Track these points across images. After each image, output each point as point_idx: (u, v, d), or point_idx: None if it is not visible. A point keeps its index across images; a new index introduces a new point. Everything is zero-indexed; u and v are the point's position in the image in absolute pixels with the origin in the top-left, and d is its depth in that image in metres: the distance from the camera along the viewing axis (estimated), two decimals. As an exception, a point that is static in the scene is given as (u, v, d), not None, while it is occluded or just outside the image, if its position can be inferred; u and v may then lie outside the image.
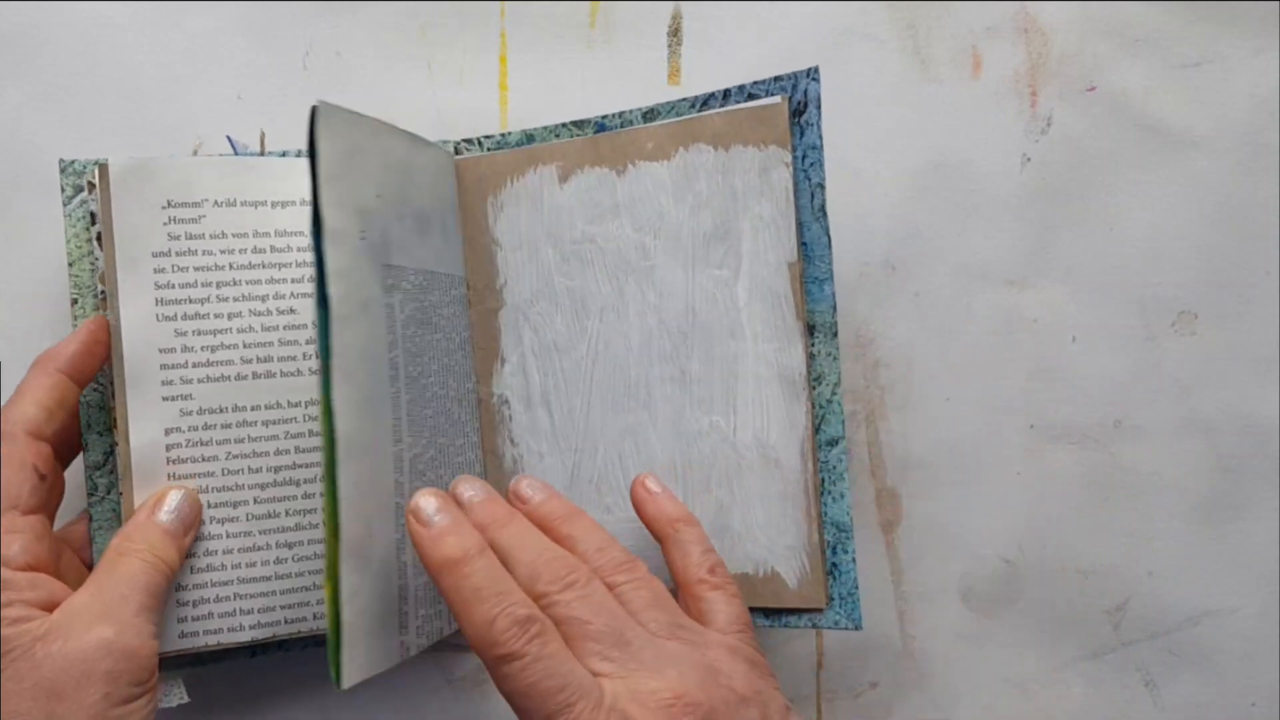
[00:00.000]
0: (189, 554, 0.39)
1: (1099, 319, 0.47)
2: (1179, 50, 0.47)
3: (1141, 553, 0.47)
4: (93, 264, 0.41)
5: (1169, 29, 0.47)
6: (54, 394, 0.38)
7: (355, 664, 0.34)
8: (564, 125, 0.45)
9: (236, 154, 0.45)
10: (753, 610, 0.42)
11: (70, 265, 0.41)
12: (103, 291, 0.40)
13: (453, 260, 0.43)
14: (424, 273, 0.40)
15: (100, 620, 0.34)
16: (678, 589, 0.39)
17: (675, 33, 0.48)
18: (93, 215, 0.40)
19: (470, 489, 0.37)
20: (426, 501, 0.35)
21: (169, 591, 0.37)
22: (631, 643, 0.34)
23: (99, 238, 0.40)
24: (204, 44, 0.47)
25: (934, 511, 0.47)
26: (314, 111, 0.33)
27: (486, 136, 0.45)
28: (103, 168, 0.39)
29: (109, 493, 0.40)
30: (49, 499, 0.38)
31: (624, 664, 0.33)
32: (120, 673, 0.33)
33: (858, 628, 0.41)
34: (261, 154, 0.44)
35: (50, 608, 0.35)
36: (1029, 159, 0.47)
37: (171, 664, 0.40)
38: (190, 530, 0.38)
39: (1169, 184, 0.47)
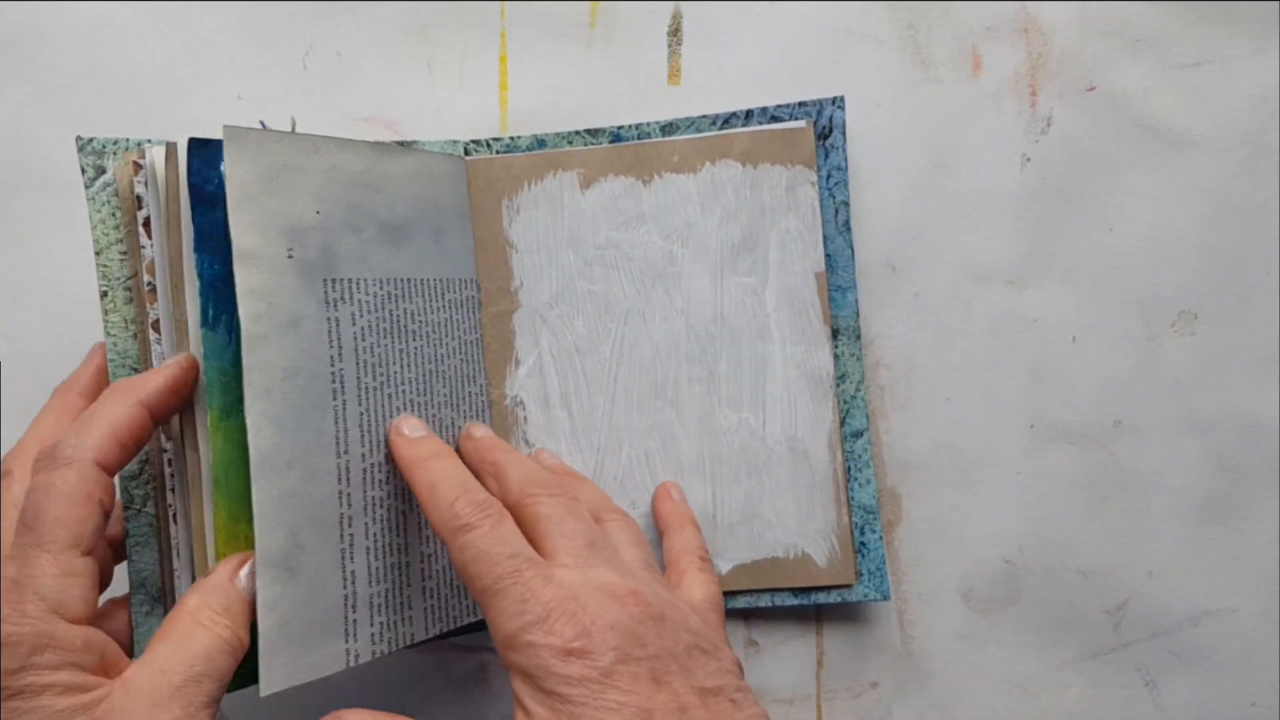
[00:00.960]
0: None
1: (1099, 319, 0.47)
2: (1179, 50, 0.47)
3: (1141, 553, 0.47)
4: (122, 253, 0.38)
5: (1169, 29, 0.47)
6: (132, 428, 0.34)
7: (276, 672, 0.34)
8: (577, 133, 0.45)
9: None
10: (783, 590, 0.45)
11: (97, 254, 0.38)
12: (151, 284, 0.37)
13: (455, 264, 0.43)
14: (394, 281, 0.40)
15: (162, 708, 0.30)
16: (666, 568, 0.41)
17: (675, 33, 0.48)
18: (139, 199, 0.37)
19: (480, 430, 0.41)
20: (409, 422, 0.38)
21: (235, 669, 0.33)
22: (600, 550, 0.35)
23: (146, 223, 0.37)
24: (204, 44, 0.47)
25: (934, 511, 0.47)
26: (224, 135, 0.35)
27: (495, 139, 0.46)
28: (172, 146, 0.36)
29: (145, 504, 0.38)
30: (103, 540, 0.34)
31: (586, 561, 0.34)
32: None
33: (885, 598, 0.45)
34: None
35: (103, 672, 0.31)
36: (1029, 159, 0.47)
37: None
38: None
39: (1169, 184, 0.47)
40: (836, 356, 0.45)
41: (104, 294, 0.38)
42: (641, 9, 0.48)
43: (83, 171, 0.38)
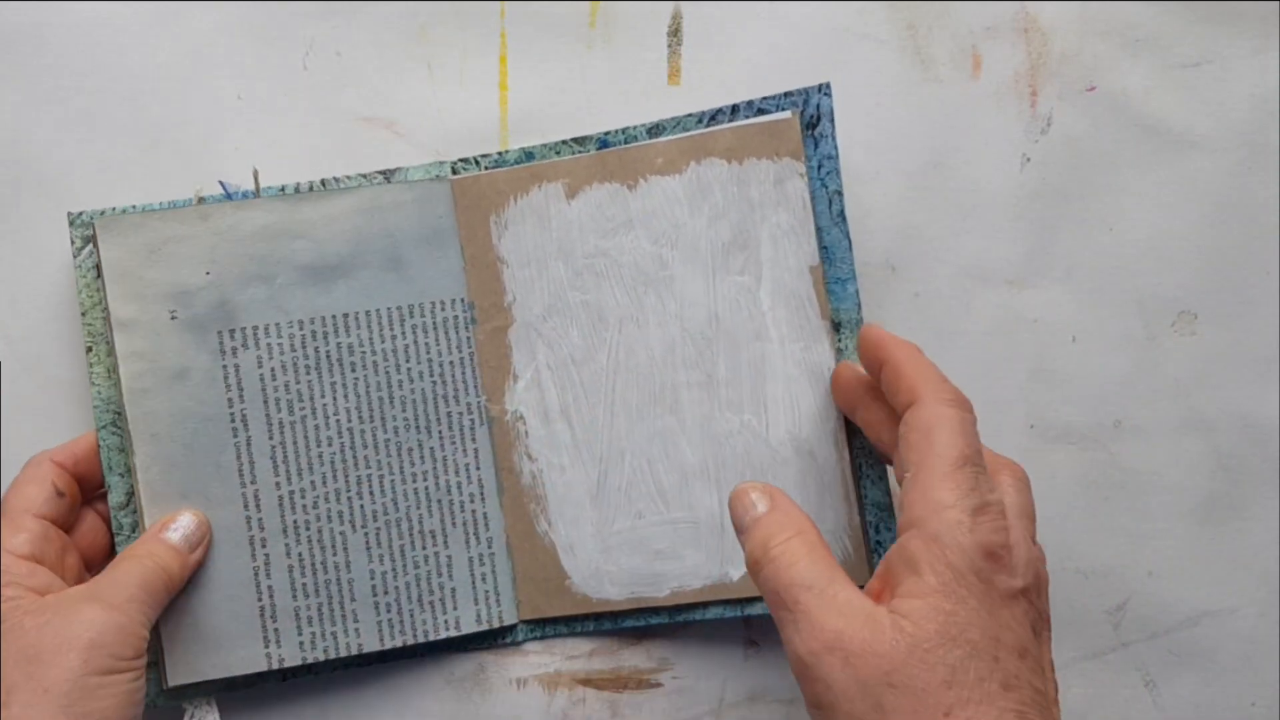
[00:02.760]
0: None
1: (1099, 319, 0.47)
2: (1179, 50, 0.47)
3: (1141, 553, 0.47)
4: (103, 313, 0.42)
5: (1169, 29, 0.47)
6: (70, 455, 0.42)
7: (181, 668, 0.41)
8: (564, 142, 0.45)
9: (230, 197, 0.45)
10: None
11: (83, 315, 0.43)
12: None
13: (430, 287, 0.44)
14: (322, 320, 0.43)
15: (89, 601, 0.37)
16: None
17: (675, 33, 0.48)
18: (97, 268, 0.42)
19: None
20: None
21: (165, 596, 0.39)
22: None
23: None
24: (204, 44, 0.47)
25: (934, 511, 0.47)
26: (94, 228, 0.42)
27: (484, 155, 0.45)
28: (105, 219, 0.42)
29: (134, 531, 0.42)
30: (65, 514, 0.41)
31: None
32: (101, 645, 0.35)
33: None
34: (257, 193, 0.44)
35: (43, 594, 0.38)
36: (1029, 159, 0.47)
37: (205, 688, 0.43)
38: (196, 549, 0.41)
39: (1169, 184, 0.47)
40: (840, 350, 0.44)
41: (89, 349, 0.43)
42: (641, 9, 0.48)
43: (71, 242, 0.43)
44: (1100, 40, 0.47)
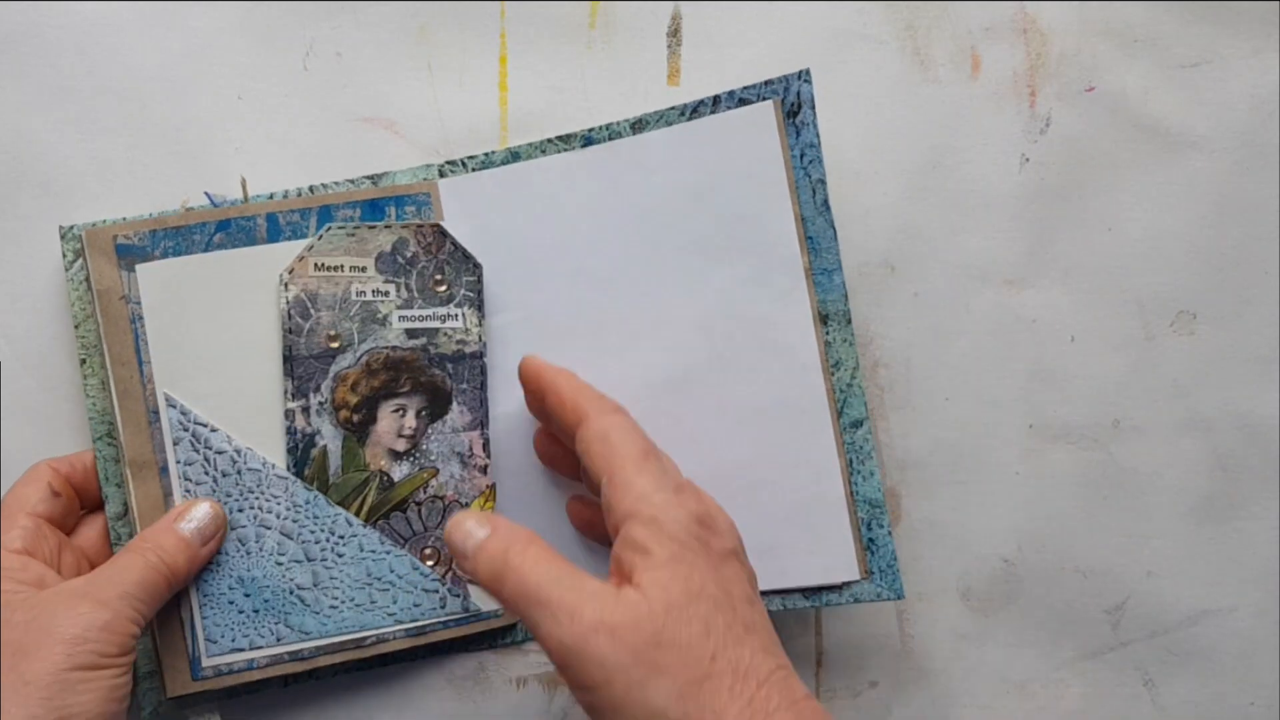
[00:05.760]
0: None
1: (1098, 319, 0.47)
2: (1178, 50, 0.47)
3: (1141, 553, 0.47)
4: (96, 325, 0.42)
5: (1168, 29, 0.47)
6: (69, 464, 0.42)
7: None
8: (549, 140, 0.44)
9: (215, 206, 0.45)
10: (792, 591, 0.43)
11: (76, 327, 0.43)
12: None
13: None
14: None
15: (80, 596, 0.37)
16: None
17: (675, 33, 0.48)
18: (88, 280, 0.42)
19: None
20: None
21: (166, 591, 0.39)
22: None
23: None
24: (204, 44, 0.47)
25: (934, 511, 0.47)
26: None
27: (470, 157, 0.45)
28: (91, 234, 0.41)
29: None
30: (61, 515, 0.41)
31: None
32: (85, 640, 0.36)
33: (899, 597, 0.43)
34: (245, 200, 0.44)
35: (39, 587, 0.38)
36: (1028, 159, 0.47)
37: (208, 696, 0.42)
38: (209, 543, 0.41)
39: (1168, 184, 0.47)
40: (828, 344, 0.43)
41: (83, 361, 0.42)
42: (641, 9, 0.48)
43: (63, 256, 0.43)
44: (1099, 40, 0.47)
